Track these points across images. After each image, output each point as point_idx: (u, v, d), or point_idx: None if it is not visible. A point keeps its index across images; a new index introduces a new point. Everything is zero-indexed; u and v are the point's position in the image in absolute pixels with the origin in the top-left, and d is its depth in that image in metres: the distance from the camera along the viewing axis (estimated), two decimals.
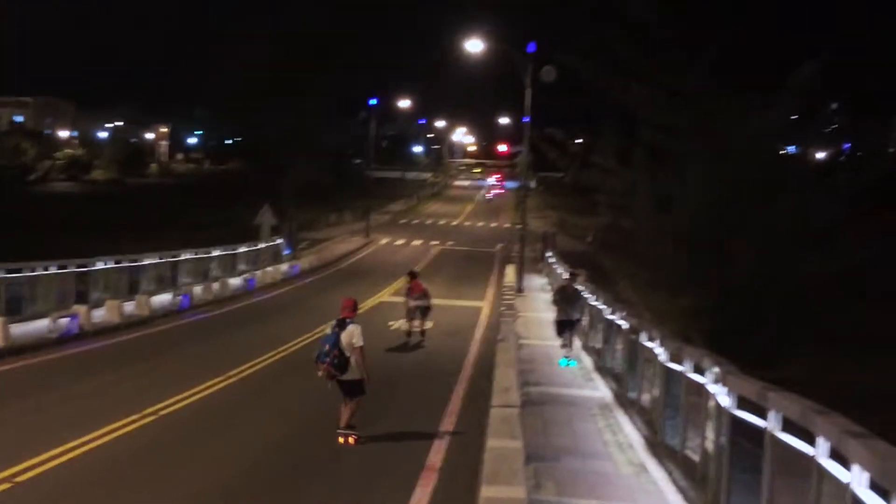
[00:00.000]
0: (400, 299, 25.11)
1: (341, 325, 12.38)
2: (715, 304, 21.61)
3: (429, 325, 22.58)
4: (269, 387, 16.08)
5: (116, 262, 26.13)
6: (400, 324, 23.23)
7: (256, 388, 15.80)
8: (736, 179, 21.22)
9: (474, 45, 35.89)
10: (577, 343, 20.35)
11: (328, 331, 12.52)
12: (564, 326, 19.51)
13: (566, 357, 18.97)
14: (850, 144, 69.57)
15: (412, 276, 23.39)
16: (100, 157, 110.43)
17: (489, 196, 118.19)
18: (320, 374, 12.23)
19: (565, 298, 19.64)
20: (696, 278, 22.11)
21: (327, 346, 12.29)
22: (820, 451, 5.70)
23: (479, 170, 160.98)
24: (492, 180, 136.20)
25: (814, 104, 23.17)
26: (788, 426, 6.45)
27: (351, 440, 12.25)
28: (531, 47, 33.20)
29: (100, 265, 25.14)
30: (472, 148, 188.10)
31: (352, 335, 12.20)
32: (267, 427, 13.00)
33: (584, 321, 20.96)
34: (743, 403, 7.78)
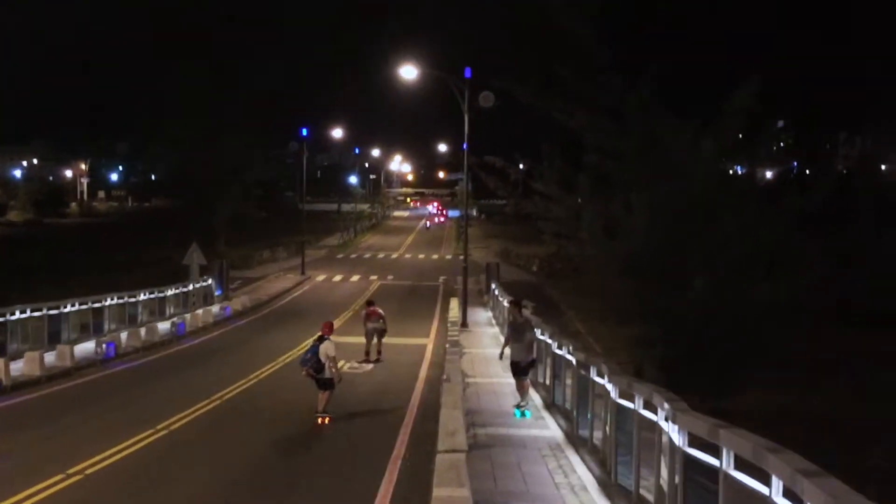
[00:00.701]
0: (338, 339, 26.27)
1: (320, 340, 18.01)
2: (665, 333, 21.86)
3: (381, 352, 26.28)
4: (200, 441, 15.84)
5: (35, 310, 25.51)
6: (341, 364, 23.60)
7: (186, 443, 15.55)
8: (683, 203, 21.56)
9: (408, 72, 36.02)
10: (532, 392, 19.46)
11: (310, 342, 18.83)
12: (518, 370, 17.82)
13: (520, 407, 17.52)
14: (797, 163, 71.29)
15: (369, 303, 28.10)
16: (15, 198, 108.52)
17: (428, 225, 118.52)
18: (303, 374, 17.85)
19: (515, 331, 18.21)
20: (644, 306, 22.34)
21: (309, 355, 17.93)
22: (774, 491, 5.79)
23: (416, 199, 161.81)
24: (431, 208, 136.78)
25: (758, 123, 23.62)
26: (742, 463, 6.55)
27: (327, 420, 17.41)
28: (467, 72, 33.47)
29: (17, 314, 24.58)
30: (411, 177, 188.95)
31: (327, 349, 17.77)
32: (196, 488, 12.79)
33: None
34: (696, 440, 7.88)
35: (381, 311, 26.55)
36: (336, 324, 34.04)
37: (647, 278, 21.96)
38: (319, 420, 17.24)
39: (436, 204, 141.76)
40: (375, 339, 26.03)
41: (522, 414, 17.22)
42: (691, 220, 21.46)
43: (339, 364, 23.59)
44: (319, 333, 18.07)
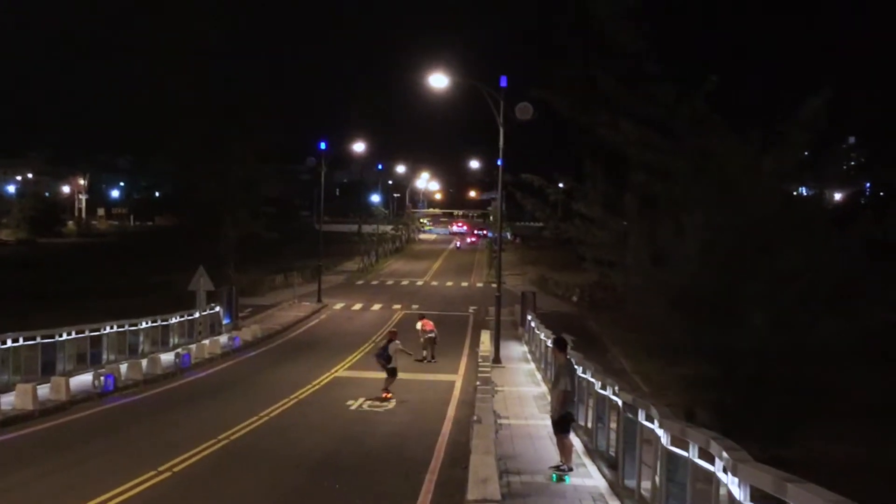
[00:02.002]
0: (357, 374, 30.58)
1: (390, 340, 27.17)
2: (720, 373, 21.62)
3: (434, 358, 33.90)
4: (204, 486, 15.83)
5: (28, 338, 25.66)
6: (360, 402, 24.20)
7: (190, 487, 15.54)
8: (741, 227, 21.33)
9: (438, 81, 36.10)
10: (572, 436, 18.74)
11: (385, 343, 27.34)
12: (553, 425, 17.18)
13: (558, 470, 16.36)
14: (870, 184, 70.28)
15: (422, 316, 36.69)
16: (7, 215, 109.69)
17: (458, 245, 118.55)
18: (379, 362, 26.64)
19: (554, 377, 17.63)
20: (697, 343, 22.09)
21: (381, 351, 26.93)
22: None
23: (445, 220, 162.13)
24: (456, 228, 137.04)
25: (827, 139, 23.39)
26: None
27: (388, 395, 25.91)
28: (503, 81, 33.49)
29: (9, 342, 24.75)
30: (439, 196, 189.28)
31: (396, 346, 26.68)
32: None
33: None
34: (759, 495, 7.75)
35: (432, 323, 35.73)
36: (354, 357, 34.39)
37: (700, 312, 21.72)
38: (384, 395, 26.05)
39: (460, 223, 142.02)
40: (429, 347, 34.52)
41: (560, 479, 16.03)
42: (750, 248, 21.22)
43: (359, 401, 25.29)
44: (390, 337, 27.67)
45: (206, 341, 35.27)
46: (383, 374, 27.30)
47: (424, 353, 34.22)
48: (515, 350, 37.67)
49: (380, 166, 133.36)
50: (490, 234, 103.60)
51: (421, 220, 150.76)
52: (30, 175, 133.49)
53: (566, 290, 62.40)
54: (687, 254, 22.07)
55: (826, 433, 21.86)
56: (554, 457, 16.97)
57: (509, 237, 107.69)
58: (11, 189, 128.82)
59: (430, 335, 34.91)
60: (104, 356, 29.46)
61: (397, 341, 27.16)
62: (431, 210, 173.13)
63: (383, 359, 26.56)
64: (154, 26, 63.79)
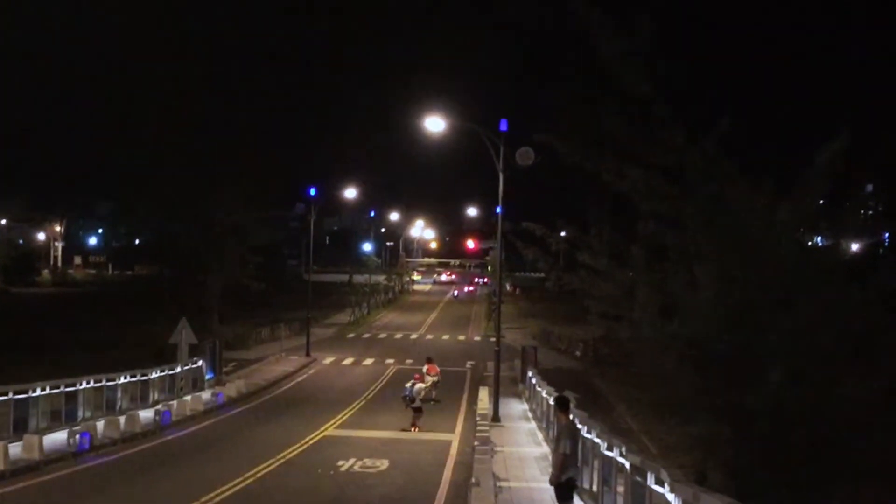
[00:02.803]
0: (348, 433, 30.75)
1: (413, 384, 32.51)
2: (734, 433, 21.49)
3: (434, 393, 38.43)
4: None
5: None
6: (351, 463, 24.07)
7: None
8: (755, 279, 21.31)
9: (435, 124, 36.23)
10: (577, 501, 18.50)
11: (408, 385, 32.66)
12: (555, 491, 17.09)
13: None
14: (888, 234, 70.38)
15: (429, 360, 41.55)
16: None
17: (456, 294, 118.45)
18: (405, 405, 32.10)
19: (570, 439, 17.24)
20: (710, 400, 21.99)
21: (407, 392, 32.17)
22: None
23: (441, 270, 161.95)
24: (444, 278, 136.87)
25: (845, 187, 23.42)
26: None
27: (417, 429, 31.28)
28: (503, 125, 33.64)
29: None
30: (434, 245, 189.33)
31: (420, 388, 32.71)
32: None
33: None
34: None
35: (437, 367, 40.79)
36: (345, 415, 34.24)
37: (712, 367, 21.64)
38: (413, 429, 31.53)
39: (448, 272, 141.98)
40: (433, 390, 38.55)
41: None
42: (764, 300, 21.20)
43: (350, 462, 24.76)
44: (415, 378, 33.86)
45: (188, 397, 35.07)
46: (375, 433, 29.76)
47: (429, 395, 37.69)
48: (515, 408, 37.50)
49: (372, 213, 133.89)
50: (488, 282, 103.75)
51: (409, 271, 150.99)
52: (3, 221, 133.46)
53: (569, 345, 62.26)
54: (698, 307, 22.02)
55: (847, 497, 21.72)
56: None
57: (509, 288, 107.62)
58: None
59: (434, 379, 39.59)
60: (80, 413, 29.27)
61: (420, 384, 33.77)
62: (426, 259, 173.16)
63: (409, 399, 32.36)
64: (139, 67, 64.16)
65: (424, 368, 40.29)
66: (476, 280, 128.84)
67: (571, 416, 18.30)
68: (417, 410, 32.48)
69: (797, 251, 23.03)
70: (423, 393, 33.68)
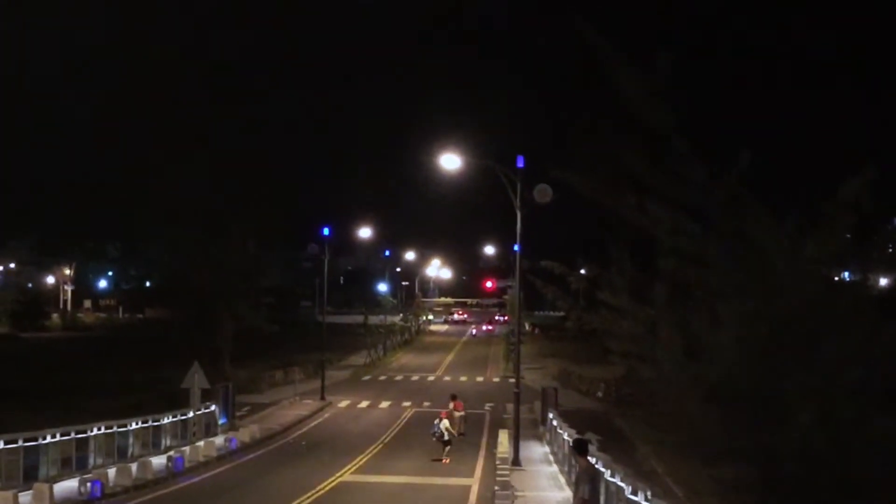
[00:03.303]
0: (365, 478, 30.90)
1: (440, 420, 35.86)
2: (762, 476, 21.36)
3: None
4: None
5: (9, 441, 25.59)
6: None
7: None
8: (782, 316, 21.23)
9: (450, 162, 36.40)
10: None
11: (437, 422, 35.88)
12: None
13: None
14: None
15: (454, 397, 43.57)
16: None
17: (474, 332, 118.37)
18: (434, 439, 35.41)
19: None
20: (736, 442, 21.85)
21: (435, 429, 35.61)
22: None
23: (458, 309, 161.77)
24: (456, 317, 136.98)
25: (873, 220, 23.37)
26: None
27: (447, 461, 34.41)
28: (520, 161, 33.77)
29: None
30: (451, 284, 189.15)
31: (446, 425, 35.77)
32: None
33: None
34: None
35: (462, 403, 43.46)
36: (362, 460, 34.17)
37: (739, 408, 21.52)
38: (444, 461, 34.62)
39: (460, 312, 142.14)
40: (461, 424, 41.26)
41: None
42: (791, 338, 21.12)
43: None
44: (442, 415, 36.98)
45: (201, 443, 35.08)
46: (393, 478, 30.52)
47: (458, 430, 40.30)
48: (536, 451, 37.35)
49: (387, 253, 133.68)
50: (508, 320, 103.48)
51: (425, 311, 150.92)
52: (12, 265, 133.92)
53: (590, 386, 62.00)
54: (723, 345, 21.93)
55: None
56: None
57: (528, 328, 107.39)
58: None
59: (460, 415, 42.18)
60: (91, 460, 29.34)
61: (446, 420, 36.52)
62: (443, 299, 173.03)
63: (437, 435, 35.69)
64: (147, 109, 64.67)
65: (451, 406, 42.49)
66: (497, 318, 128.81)
67: (592, 459, 18.25)
68: (446, 443, 35.57)
69: (824, 287, 22.96)
70: (454, 430, 37.50)
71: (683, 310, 24.39)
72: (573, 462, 25.41)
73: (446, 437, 35.86)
